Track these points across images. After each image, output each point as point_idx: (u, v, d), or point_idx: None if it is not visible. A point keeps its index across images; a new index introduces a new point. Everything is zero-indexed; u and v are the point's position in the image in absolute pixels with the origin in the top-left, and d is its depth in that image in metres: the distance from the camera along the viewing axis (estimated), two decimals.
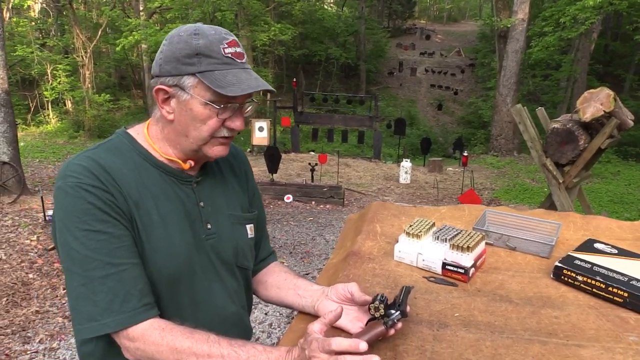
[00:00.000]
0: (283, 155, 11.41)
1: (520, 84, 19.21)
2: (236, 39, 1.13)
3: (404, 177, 12.14)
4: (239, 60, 1.10)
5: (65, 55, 19.72)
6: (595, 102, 4.78)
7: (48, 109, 19.42)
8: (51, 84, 18.21)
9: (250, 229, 1.32)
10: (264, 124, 13.03)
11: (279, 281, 1.35)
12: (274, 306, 4.71)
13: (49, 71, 18.42)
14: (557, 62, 21.39)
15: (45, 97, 18.60)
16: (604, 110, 4.70)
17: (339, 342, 0.88)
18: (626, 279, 1.20)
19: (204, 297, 1.19)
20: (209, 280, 1.20)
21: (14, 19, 20.51)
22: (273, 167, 9.99)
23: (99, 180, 1.05)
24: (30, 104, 19.53)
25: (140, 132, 1.20)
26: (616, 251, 1.35)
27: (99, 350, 1.15)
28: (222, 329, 1.07)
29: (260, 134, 13.06)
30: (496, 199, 10.85)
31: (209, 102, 1.08)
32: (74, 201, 1.03)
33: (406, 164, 12.21)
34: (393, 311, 1.03)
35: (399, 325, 1.04)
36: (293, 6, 21.33)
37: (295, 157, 14.33)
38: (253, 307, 5.01)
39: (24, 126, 17.78)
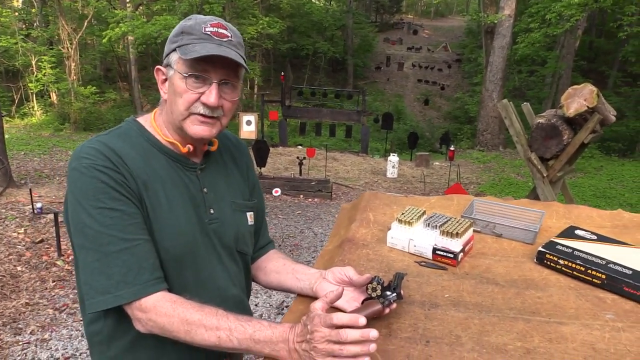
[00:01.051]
0: (271, 149, 11.45)
1: (506, 80, 19.41)
2: (226, 23, 1.19)
3: (391, 172, 12.24)
4: (217, 37, 1.15)
5: (50, 47, 19.47)
6: (579, 98, 4.90)
7: (33, 101, 19.19)
8: (36, 76, 17.98)
9: (250, 216, 1.38)
10: (251, 117, 13.03)
11: (278, 267, 1.41)
12: (264, 298, 4.78)
13: (33, 63, 18.18)
14: (542, 58, 21.65)
15: (30, 89, 18.37)
16: (587, 106, 4.81)
17: (340, 317, 0.94)
18: (604, 262, 1.28)
19: (207, 277, 1.25)
20: (212, 262, 1.26)
21: None
22: (261, 160, 10.02)
23: (110, 161, 1.11)
24: (15, 96, 19.28)
25: (147, 120, 1.27)
26: (595, 237, 1.44)
27: (106, 329, 1.21)
28: (224, 309, 1.12)
29: (248, 127, 13.06)
30: (482, 193, 10.99)
31: (184, 74, 1.15)
32: (88, 181, 1.09)
33: (393, 158, 12.31)
34: (389, 293, 1.10)
35: (394, 305, 1.11)
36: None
37: (283, 151, 14.37)
38: None
39: (8, 118, 17.54)
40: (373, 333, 0.93)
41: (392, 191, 10.72)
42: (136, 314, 1.10)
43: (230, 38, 1.18)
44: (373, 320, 1.12)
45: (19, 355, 3.62)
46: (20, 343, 3.79)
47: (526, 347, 1.04)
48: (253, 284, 1.49)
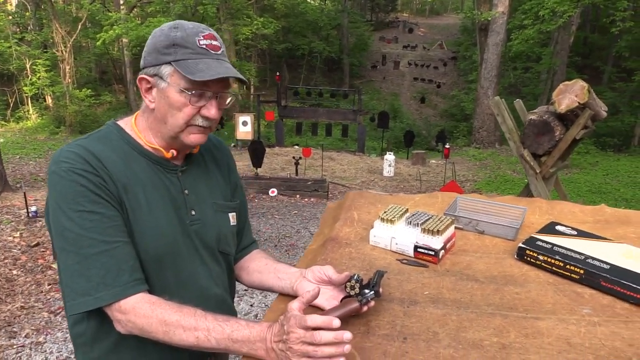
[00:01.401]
0: (267, 150, 11.45)
1: (501, 77, 19.44)
2: (214, 33, 1.21)
3: (388, 170, 12.25)
4: (213, 52, 1.17)
5: (45, 50, 19.46)
6: (570, 94, 4.92)
7: (28, 104, 19.19)
8: (30, 79, 17.97)
9: (232, 217, 1.40)
10: (247, 118, 13.06)
11: (260, 266, 1.43)
12: (260, 298, 4.79)
13: (28, 66, 18.18)
14: (537, 54, 21.69)
15: (25, 93, 18.36)
16: (578, 102, 4.83)
17: (314, 319, 0.95)
18: (583, 257, 1.30)
19: (188, 277, 1.26)
20: (193, 263, 1.27)
21: None
22: (257, 161, 10.02)
23: (90, 165, 1.12)
24: (10, 100, 19.26)
25: (128, 123, 1.28)
26: (576, 233, 1.45)
27: (90, 330, 1.22)
28: (206, 309, 1.13)
29: (244, 128, 13.09)
30: (478, 190, 11.02)
31: (183, 89, 1.15)
32: (67, 184, 1.10)
33: (390, 156, 12.32)
34: (367, 291, 1.11)
35: (372, 303, 1.12)
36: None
37: (279, 151, 14.37)
38: (239, 298, 5.06)
39: (3, 122, 17.56)
40: (347, 335, 0.94)
41: (388, 190, 10.73)
42: (116, 315, 1.11)
43: (222, 49, 1.20)
44: (351, 318, 1.13)
45: (13, 359, 3.63)
46: (15, 346, 3.80)
47: (502, 343, 1.05)
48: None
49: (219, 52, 1.19)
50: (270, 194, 9.58)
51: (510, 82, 23.12)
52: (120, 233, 1.14)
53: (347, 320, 1.13)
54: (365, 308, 1.11)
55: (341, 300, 1.14)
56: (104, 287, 1.09)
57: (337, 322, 0.95)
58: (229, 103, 1.25)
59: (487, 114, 17.33)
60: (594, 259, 1.29)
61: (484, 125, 17.84)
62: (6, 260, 5.58)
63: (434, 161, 14.56)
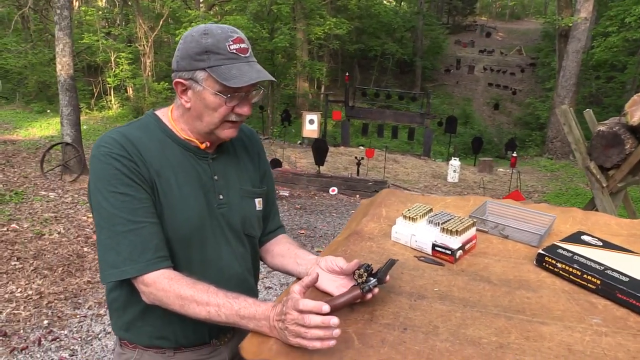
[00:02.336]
0: (333, 149, 11.56)
1: (581, 86, 18.58)
2: (242, 35, 1.29)
3: (452, 176, 12.05)
4: (243, 55, 1.27)
5: (128, 44, 20.53)
6: None
7: (110, 95, 20.32)
8: (114, 71, 19.02)
9: (258, 202, 1.49)
10: (314, 117, 13.22)
11: (283, 250, 1.52)
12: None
13: (112, 59, 19.24)
14: (622, 63, 20.52)
15: (108, 84, 19.44)
16: None
17: (305, 303, 1.03)
18: (602, 267, 1.28)
19: (213, 257, 1.37)
20: (219, 243, 1.38)
21: (83, 8, 21.52)
22: (320, 159, 10.14)
23: (126, 151, 1.25)
24: (94, 90, 20.46)
25: (165, 114, 1.40)
26: (601, 244, 1.42)
27: (122, 297, 1.37)
28: (227, 286, 1.23)
29: (311, 126, 13.25)
30: (545, 202, 10.62)
31: (218, 92, 1.25)
32: (104, 167, 1.23)
33: (455, 162, 12.11)
34: (371, 278, 1.16)
35: (376, 291, 1.17)
36: (349, 0, 21.35)
37: (344, 151, 14.46)
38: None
39: (87, 110, 18.69)
40: (333, 320, 1.00)
41: (451, 196, 10.56)
42: (140, 287, 1.24)
43: (249, 50, 1.29)
44: (357, 306, 1.18)
45: (75, 327, 3.92)
46: (78, 316, 4.11)
47: (500, 342, 1.06)
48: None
49: (248, 54, 1.28)
50: (331, 192, 9.68)
51: (591, 91, 22.02)
52: (148, 214, 1.25)
53: (352, 307, 1.18)
54: (369, 296, 1.16)
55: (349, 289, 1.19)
56: (130, 262, 1.21)
57: (326, 308, 1.01)
58: (258, 98, 1.34)
59: (562, 123, 16.61)
60: (613, 270, 1.27)
61: (559, 135, 17.12)
62: (79, 238, 6.01)
63: (501, 169, 14.15)
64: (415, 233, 1.47)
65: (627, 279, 1.23)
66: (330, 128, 18.40)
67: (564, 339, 1.08)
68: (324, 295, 1.25)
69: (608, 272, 1.26)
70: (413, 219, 1.49)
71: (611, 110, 19.48)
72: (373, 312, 1.17)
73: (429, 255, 1.44)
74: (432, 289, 1.28)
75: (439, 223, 1.44)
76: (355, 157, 11.07)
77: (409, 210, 1.53)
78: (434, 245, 1.42)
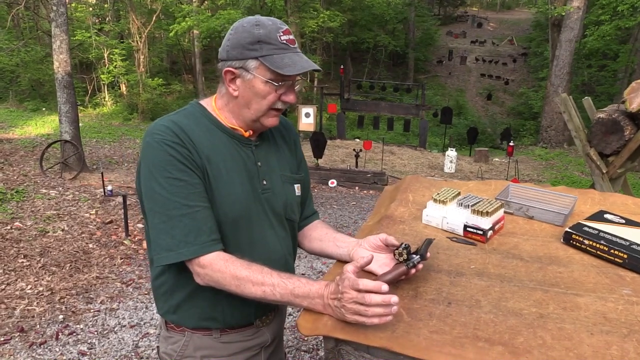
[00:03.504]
0: (329, 142, 11.60)
1: (574, 75, 18.71)
2: (288, 27, 1.36)
3: (449, 167, 12.13)
4: (292, 46, 1.33)
5: (121, 40, 20.46)
6: None
7: (104, 91, 20.26)
8: (107, 68, 18.98)
9: (297, 188, 1.55)
10: (310, 110, 13.22)
11: (321, 235, 1.58)
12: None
13: (105, 55, 19.19)
14: (614, 52, 20.66)
15: (102, 81, 19.41)
16: None
17: (366, 283, 1.09)
18: (628, 243, 1.35)
19: (259, 239, 1.42)
20: (263, 227, 1.43)
21: (73, 4, 21.38)
22: (318, 152, 10.19)
23: (178, 138, 1.30)
24: (88, 87, 20.41)
25: (209, 104, 1.45)
26: (624, 221, 1.50)
27: (170, 281, 1.42)
28: (271, 267, 1.28)
29: (307, 119, 13.26)
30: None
31: (269, 80, 1.31)
32: (159, 153, 1.28)
33: (451, 153, 12.19)
34: (414, 255, 1.23)
35: (420, 266, 1.24)
36: None
37: (340, 144, 14.50)
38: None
39: (81, 107, 18.61)
40: (394, 298, 1.06)
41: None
42: (195, 269, 1.29)
43: (296, 42, 1.36)
44: (401, 283, 1.25)
45: (90, 321, 3.97)
46: (92, 310, 4.15)
47: (540, 313, 1.14)
48: (299, 250, 1.66)
49: (295, 45, 1.35)
50: (330, 185, 9.75)
51: (584, 80, 22.17)
52: (202, 199, 1.30)
53: (397, 285, 1.25)
54: (413, 271, 1.23)
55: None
56: (185, 245, 1.26)
57: (385, 287, 1.07)
58: (299, 87, 1.40)
59: (556, 112, 16.74)
60: (638, 245, 1.34)
61: (553, 124, 17.26)
62: (83, 235, 6.03)
63: (497, 159, 14.25)
64: (446, 215, 1.54)
65: None
66: (325, 121, 18.42)
67: (598, 309, 1.15)
68: (367, 274, 1.31)
69: (634, 246, 1.34)
70: (443, 202, 1.56)
71: (603, 99, 19.65)
72: (417, 289, 1.24)
73: (460, 236, 1.51)
74: (468, 266, 1.34)
75: (469, 205, 1.51)
76: (354, 150, 11.13)
77: (438, 194, 1.60)
78: (465, 226, 1.49)
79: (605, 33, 14.87)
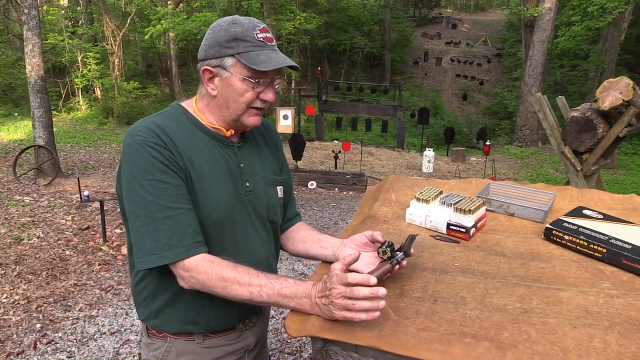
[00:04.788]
0: (307, 144, 11.61)
1: (547, 74, 19.06)
2: (265, 25, 1.36)
3: (427, 166, 12.25)
4: (269, 43, 1.33)
5: (95, 44, 20.17)
6: (615, 91, 4.87)
7: (78, 95, 19.94)
8: (81, 72, 18.67)
9: (280, 190, 1.55)
10: (288, 112, 13.24)
11: (304, 236, 1.58)
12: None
13: (79, 59, 18.89)
14: (585, 52, 21.11)
15: (76, 84, 19.09)
16: (622, 99, 4.79)
17: (354, 276, 1.09)
18: (606, 237, 1.38)
19: (242, 241, 1.41)
20: (246, 229, 1.43)
21: (44, 7, 21.00)
22: (297, 154, 10.20)
23: (160, 139, 1.28)
24: (62, 91, 20.06)
25: (189, 105, 1.44)
26: (602, 216, 1.53)
27: (151, 286, 1.40)
28: (255, 268, 1.27)
29: (285, 122, 13.27)
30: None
31: (246, 77, 1.31)
32: (141, 155, 1.26)
33: (429, 153, 12.32)
34: (398, 252, 1.24)
35: (404, 263, 1.25)
36: None
37: (319, 145, 14.53)
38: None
39: (55, 112, 18.29)
40: (382, 291, 1.07)
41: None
42: (180, 272, 1.27)
43: (274, 40, 1.36)
44: (387, 281, 1.26)
45: (69, 329, 3.90)
46: (70, 318, 4.08)
47: (524, 308, 1.15)
48: (280, 252, 1.66)
49: (273, 43, 1.34)
50: (310, 187, 9.76)
51: (556, 80, 22.60)
52: (185, 201, 1.29)
53: (382, 283, 1.25)
54: (397, 267, 1.24)
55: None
56: (169, 248, 1.25)
57: (373, 280, 1.08)
58: (279, 87, 1.40)
59: (530, 112, 17.05)
60: (617, 239, 1.37)
61: (527, 124, 17.56)
62: (59, 242, 5.92)
63: (474, 158, 14.44)
64: (429, 214, 1.55)
65: (630, 247, 1.34)
66: (304, 123, 18.43)
67: (580, 302, 1.17)
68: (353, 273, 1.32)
69: (612, 241, 1.37)
70: (426, 201, 1.57)
71: (576, 98, 20.05)
72: (403, 287, 1.25)
73: (444, 234, 1.53)
74: (452, 264, 1.36)
75: (451, 204, 1.52)
76: (333, 151, 11.17)
77: (421, 193, 1.61)
78: (448, 225, 1.51)
79: (576, 33, 15.19)
